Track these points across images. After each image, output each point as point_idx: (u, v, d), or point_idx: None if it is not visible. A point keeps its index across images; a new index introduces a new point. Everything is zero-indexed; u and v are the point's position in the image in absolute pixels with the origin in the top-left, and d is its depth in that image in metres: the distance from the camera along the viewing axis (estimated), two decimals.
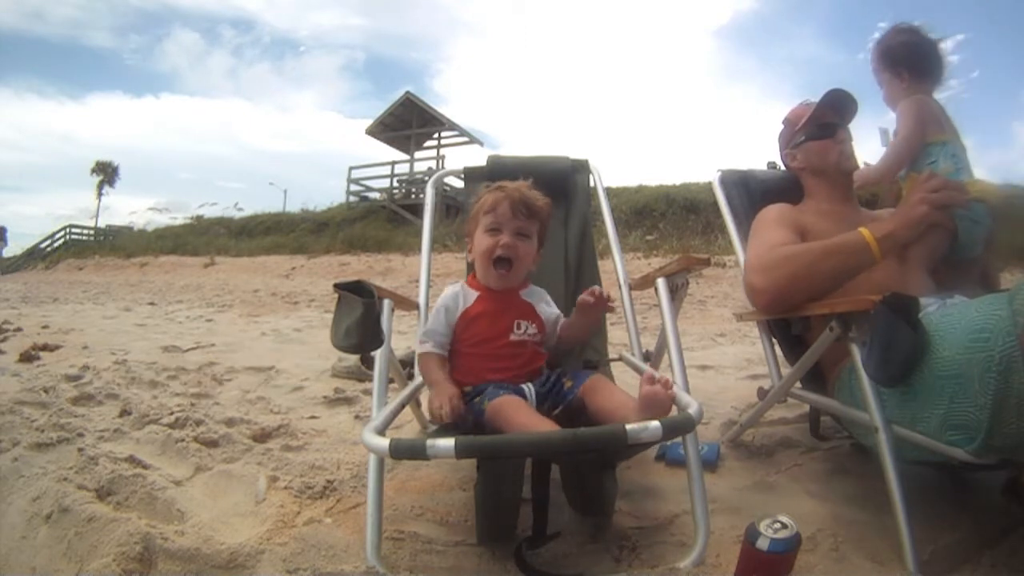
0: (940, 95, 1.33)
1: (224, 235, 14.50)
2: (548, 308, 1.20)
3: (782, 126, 1.47)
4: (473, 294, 1.14)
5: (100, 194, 25.61)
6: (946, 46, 1.33)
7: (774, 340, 1.34)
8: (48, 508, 1.01)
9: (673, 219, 10.84)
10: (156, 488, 1.13)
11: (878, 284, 1.05)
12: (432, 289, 1.50)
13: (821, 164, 1.36)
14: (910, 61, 1.32)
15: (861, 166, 1.39)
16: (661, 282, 1.21)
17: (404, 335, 2.82)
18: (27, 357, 2.56)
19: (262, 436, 1.56)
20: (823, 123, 1.35)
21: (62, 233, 19.26)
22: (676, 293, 1.22)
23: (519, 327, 1.10)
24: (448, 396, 0.99)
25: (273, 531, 1.03)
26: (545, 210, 1.16)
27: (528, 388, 1.04)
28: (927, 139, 1.27)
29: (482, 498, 0.93)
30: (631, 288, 1.47)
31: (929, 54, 1.32)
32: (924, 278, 1.18)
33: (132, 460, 1.27)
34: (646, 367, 1.19)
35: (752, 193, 1.52)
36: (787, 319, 1.21)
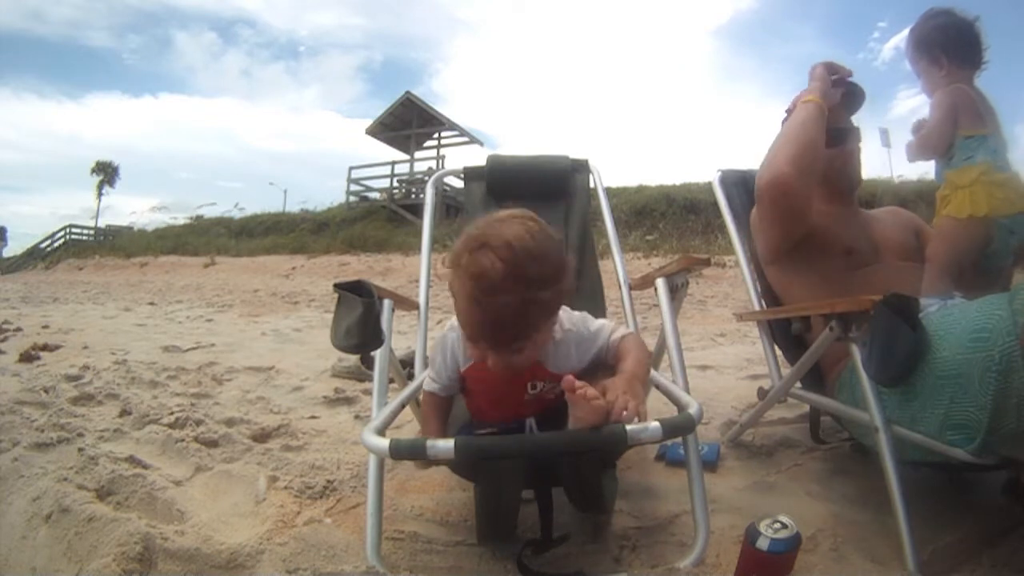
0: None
1: (224, 235, 14.50)
2: (577, 353, 0.93)
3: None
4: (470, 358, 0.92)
5: (100, 194, 25.69)
6: (981, 26, 1.24)
7: (774, 340, 1.34)
8: (48, 508, 1.01)
9: (673, 219, 10.84)
10: (156, 488, 1.14)
11: (897, 287, 0.95)
12: (432, 289, 1.50)
13: (826, 170, 1.31)
14: (947, 45, 1.23)
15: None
16: (661, 282, 1.21)
17: (404, 335, 2.82)
18: (27, 357, 2.57)
19: (262, 436, 1.56)
20: (834, 128, 1.29)
21: (62, 233, 19.27)
22: (676, 293, 1.22)
23: (533, 387, 0.91)
24: None
25: (273, 531, 1.03)
26: (555, 266, 0.78)
27: (529, 422, 0.93)
28: (963, 132, 1.19)
29: (482, 498, 0.93)
30: (631, 288, 1.47)
31: (966, 36, 1.24)
32: (945, 283, 1.14)
33: (132, 460, 1.28)
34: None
35: (752, 193, 1.51)
36: (787, 319, 1.21)
